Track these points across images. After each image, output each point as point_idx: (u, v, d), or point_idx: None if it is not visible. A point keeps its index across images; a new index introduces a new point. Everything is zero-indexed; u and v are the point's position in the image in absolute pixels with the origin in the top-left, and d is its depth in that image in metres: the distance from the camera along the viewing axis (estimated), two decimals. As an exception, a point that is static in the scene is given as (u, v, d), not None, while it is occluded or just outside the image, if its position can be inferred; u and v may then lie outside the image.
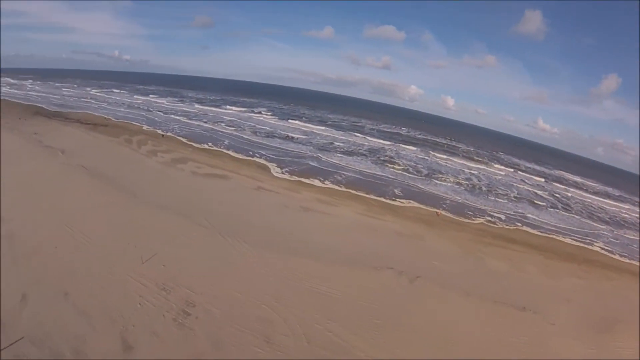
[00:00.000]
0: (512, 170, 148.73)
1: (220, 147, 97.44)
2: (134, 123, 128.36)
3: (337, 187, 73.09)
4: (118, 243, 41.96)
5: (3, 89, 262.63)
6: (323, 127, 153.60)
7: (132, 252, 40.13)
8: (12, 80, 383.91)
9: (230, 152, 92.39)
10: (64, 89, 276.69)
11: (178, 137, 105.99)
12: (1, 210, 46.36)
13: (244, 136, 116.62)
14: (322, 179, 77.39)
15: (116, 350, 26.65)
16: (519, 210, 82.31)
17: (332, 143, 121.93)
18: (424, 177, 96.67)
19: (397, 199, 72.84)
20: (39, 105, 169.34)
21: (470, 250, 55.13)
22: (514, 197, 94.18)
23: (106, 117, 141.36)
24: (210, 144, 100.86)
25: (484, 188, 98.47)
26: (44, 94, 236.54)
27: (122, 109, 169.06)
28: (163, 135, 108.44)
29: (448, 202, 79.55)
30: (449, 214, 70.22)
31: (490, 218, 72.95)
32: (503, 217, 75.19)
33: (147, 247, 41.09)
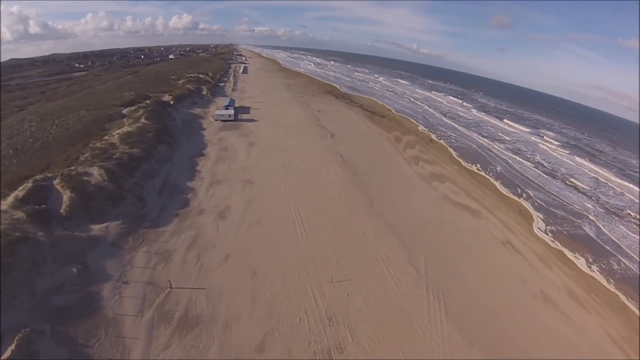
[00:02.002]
0: None
1: (488, 173, 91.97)
2: (411, 120, 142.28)
3: (604, 282, 52.80)
4: (325, 250, 48.20)
5: (309, 66, 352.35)
6: (620, 180, 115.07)
7: (330, 266, 44.98)
8: (317, 60, 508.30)
9: (497, 184, 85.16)
10: (357, 73, 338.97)
11: (449, 148, 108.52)
12: (252, 174, 67.22)
13: (518, 167, 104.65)
14: (590, 260, 58.02)
15: (252, 344, 31.79)
16: None
17: (624, 208, 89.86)
18: None
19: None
20: (334, 85, 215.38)
21: None
22: None
23: (388, 107, 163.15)
24: (479, 165, 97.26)
25: None
26: (339, 75, 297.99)
27: (404, 102, 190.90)
28: (431, 140, 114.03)
29: None
30: None
31: None
32: None
33: (346, 268, 44.89)
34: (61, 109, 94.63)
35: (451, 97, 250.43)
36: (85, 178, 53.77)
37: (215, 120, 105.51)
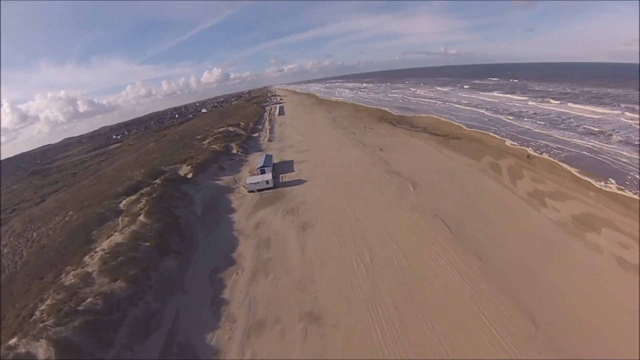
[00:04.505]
0: None
1: (635, 193, 57.16)
2: (490, 134, 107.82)
3: None
4: None
5: (344, 93, 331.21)
6: None
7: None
8: (350, 85, 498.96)
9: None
10: (394, 90, 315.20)
11: (560, 164, 74.14)
12: (316, 295, 36.76)
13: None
14: None
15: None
16: None
17: None
18: None
19: None
20: (382, 108, 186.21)
21: None
22: None
23: (454, 122, 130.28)
24: (615, 181, 62.35)
25: None
26: (378, 96, 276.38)
27: (464, 113, 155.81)
28: (529, 157, 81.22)
29: None
30: None
31: None
32: None
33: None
34: (52, 210, 73.02)
35: (504, 95, 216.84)
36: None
37: (249, 191, 78.49)
